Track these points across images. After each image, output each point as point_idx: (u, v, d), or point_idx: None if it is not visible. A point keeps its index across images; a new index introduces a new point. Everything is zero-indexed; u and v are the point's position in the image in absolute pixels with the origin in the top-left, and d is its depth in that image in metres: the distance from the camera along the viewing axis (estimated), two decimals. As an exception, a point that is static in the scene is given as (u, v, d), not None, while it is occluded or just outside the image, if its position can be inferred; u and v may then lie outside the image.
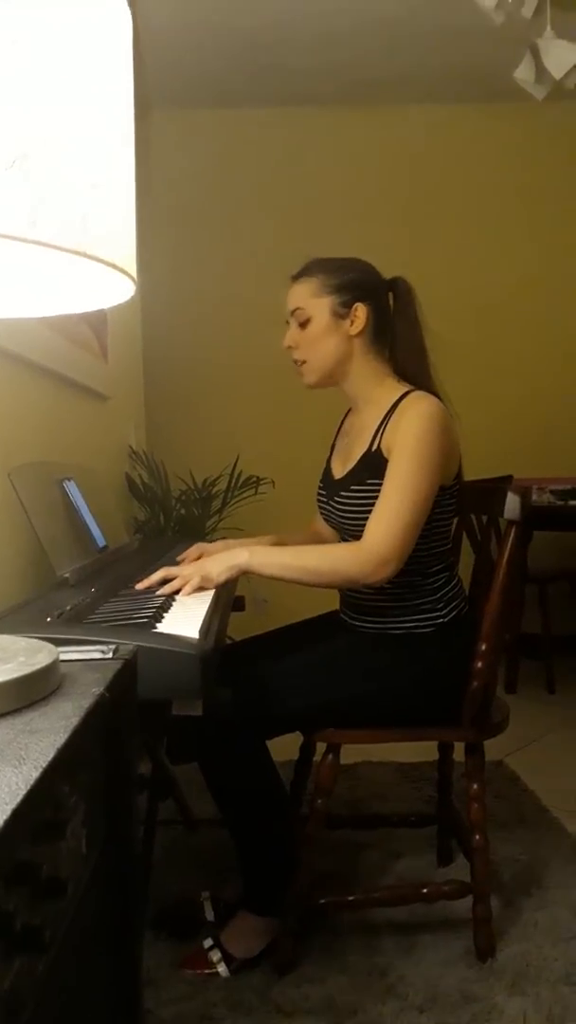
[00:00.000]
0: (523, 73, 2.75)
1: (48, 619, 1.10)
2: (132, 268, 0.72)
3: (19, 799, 0.48)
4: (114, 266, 0.68)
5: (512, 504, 1.47)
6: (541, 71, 2.74)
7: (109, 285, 0.78)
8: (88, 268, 0.76)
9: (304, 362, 1.56)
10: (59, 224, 0.62)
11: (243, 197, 3.69)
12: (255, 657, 1.57)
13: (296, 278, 1.56)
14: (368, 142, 3.70)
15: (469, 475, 1.62)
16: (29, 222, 0.61)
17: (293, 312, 1.55)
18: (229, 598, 1.53)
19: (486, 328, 3.72)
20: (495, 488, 1.57)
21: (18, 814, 0.47)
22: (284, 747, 1.61)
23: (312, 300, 1.52)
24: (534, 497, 3.11)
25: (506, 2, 2.52)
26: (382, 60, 3.29)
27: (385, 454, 1.45)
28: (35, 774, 0.52)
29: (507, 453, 3.64)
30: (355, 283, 1.52)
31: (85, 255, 0.64)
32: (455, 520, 1.61)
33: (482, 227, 3.73)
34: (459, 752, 1.63)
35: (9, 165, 0.60)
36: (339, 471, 1.59)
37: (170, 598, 1.36)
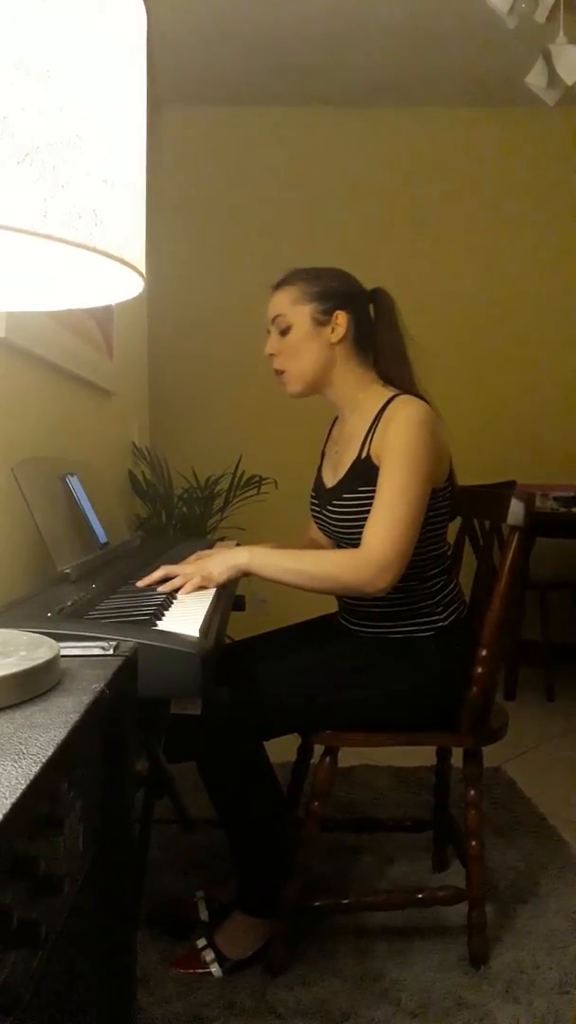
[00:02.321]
0: (535, 78, 2.75)
1: (49, 614, 1.10)
2: (141, 264, 0.72)
3: (19, 793, 0.48)
4: (123, 261, 0.68)
5: (516, 510, 1.47)
6: (553, 76, 2.75)
7: (117, 280, 0.78)
8: (97, 263, 0.76)
9: (284, 371, 1.56)
10: (69, 219, 0.62)
11: (252, 196, 3.69)
12: (254, 657, 1.56)
13: (277, 287, 1.56)
14: (378, 144, 3.70)
15: (473, 480, 1.62)
16: (40, 216, 0.61)
17: (274, 319, 1.55)
18: (230, 598, 1.52)
19: (491, 332, 3.71)
20: (499, 494, 1.56)
21: (17, 808, 0.47)
22: (282, 749, 1.60)
23: (293, 307, 1.52)
24: (537, 503, 3.10)
25: (519, 7, 2.52)
26: (394, 62, 3.29)
27: (375, 461, 1.45)
28: (35, 769, 0.52)
29: (510, 459, 3.64)
30: (335, 291, 1.52)
31: (94, 250, 0.64)
32: (450, 523, 1.61)
33: (491, 231, 3.72)
34: (457, 758, 1.63)
35: (21, 159, 0.60)
36: (330, 480, 1.58)
37: (170, 596, 1.35)
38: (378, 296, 1.57)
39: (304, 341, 1.52)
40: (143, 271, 0.72)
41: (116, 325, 2.56)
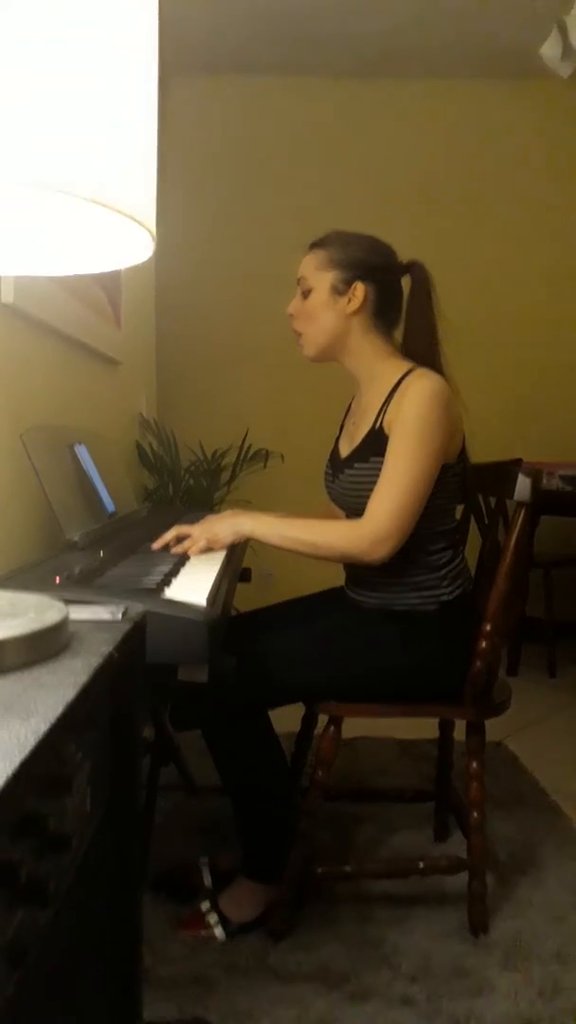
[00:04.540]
0: (549, 50, 2.70)
1: (57, 580, 1.10)
2: (151, 223, 0.71)
3: (28, 751, 0.48)
4: (133, 218, 0.67)
5: (523, 486, 1.46)
6: (567, 49, 2.69)
7: (128, 242, 0.77)
8: (107, 224, 0.75)
9: (301, 334, 1.56)
10: (79, 172, 0.61)
11: (261, 167, 3.64)
12: (260, 628, 1.57)
13: (311, 247, 1.56)
14: (389, 116, 3.64)
15: (478, 458, 1.61)
16: (49, 168, 0.60)
17: (299, 281, 1.56)
18: (236, 568, 1.53)
19: (498, 309, 3.67)
20: (507, 469, 1.56)
21: (27, 765, 0.47)
22: (286, 719, 1.61)
23: (316, 272, 1.52)
24: (543, 481, 3.09)
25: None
26: (407, 33, 3.22)
27: (387, 432, 1.45)
28: (43, 727, 0.52)
29: (516, 437, 3.62)
30: (360, 261, 1.51)
31: (105, 205, 0.63)
32: (461, 501, 1.61)
33: (500, 206, 3.67)
34: (459, 731, 1.63)
35: (30, 110, 0.59)
36: (345, 450, 1.59)
37: (178, 564, 1.36)
38: (414, 270, 1.55)
39: (320, 308, 1.52)
40: (153, 230, 0.71)
41: (124, 294, 2.54)
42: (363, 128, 3.64)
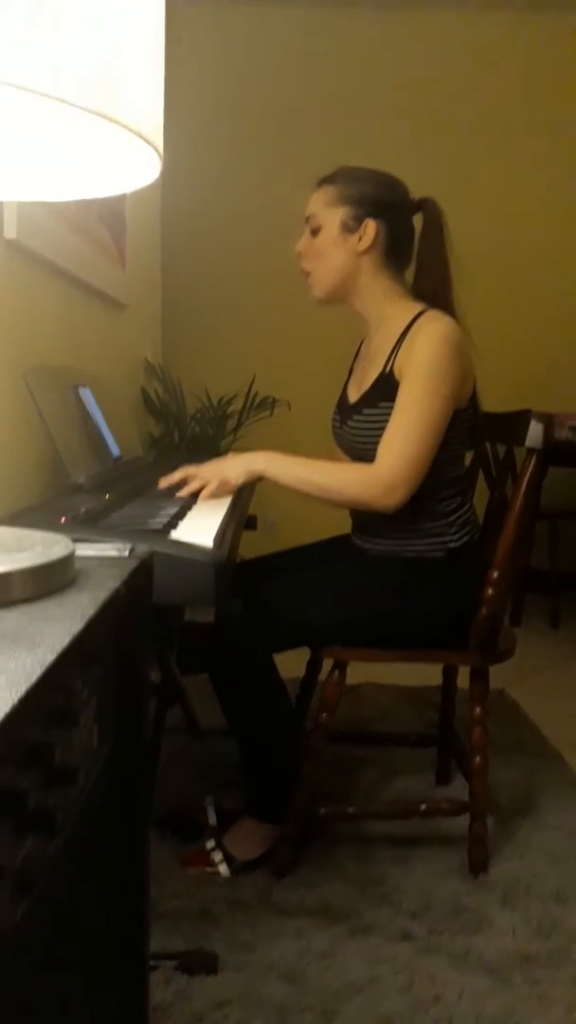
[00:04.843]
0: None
1: (63, 520, 1.09)
2: (158, 140, 0.68)
3: (34, 680, 0.47)
4: (139, 134, 0.63)
5: (535, 432, 1.44)
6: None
7: (133, 163, 0.74)
8: (111, 144, 0.72)
9: (310, 273, 1.52)
10: (84, 84, 0.58)
11: (271, 101, 3.52)
12: (266, 573, 1.57)
13: (319, 183, 1.52)
14: (399, 47, 3.50)
15: (486, 408, 1.59)
16: (52, 79, 0.57)
17: (307, 218, 1.51)
18: (243, 512, 1.51)
19: (504, 253, 3.59)
20: (518, 416, 1.53)
21: (32, 694, 0.46)
22: (291, 664, 1.62)
23: (326, 209, 1.48)
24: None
25: None
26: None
27: (398, 376, 1.42)
28: (50, 658, 0.51)
29: (523, 386, 3.56)
30: (372, 198, 1.46)
31: (109, 118, 0.60)
32: (471, 447, 1.59)
33: (513, 142, 3.55)
34: (462, 679, 1.64)
35: (34, 16, 0.55)
36: (354, 395, 1.56)
37: (185, 507, 1.35)
38: (427, 207, 1.50)
39: (330, 246, 1.48)
40: (160, 148, 0.68)
41: (129, 234, 2.48)
42: (372, 59, 3.51)
